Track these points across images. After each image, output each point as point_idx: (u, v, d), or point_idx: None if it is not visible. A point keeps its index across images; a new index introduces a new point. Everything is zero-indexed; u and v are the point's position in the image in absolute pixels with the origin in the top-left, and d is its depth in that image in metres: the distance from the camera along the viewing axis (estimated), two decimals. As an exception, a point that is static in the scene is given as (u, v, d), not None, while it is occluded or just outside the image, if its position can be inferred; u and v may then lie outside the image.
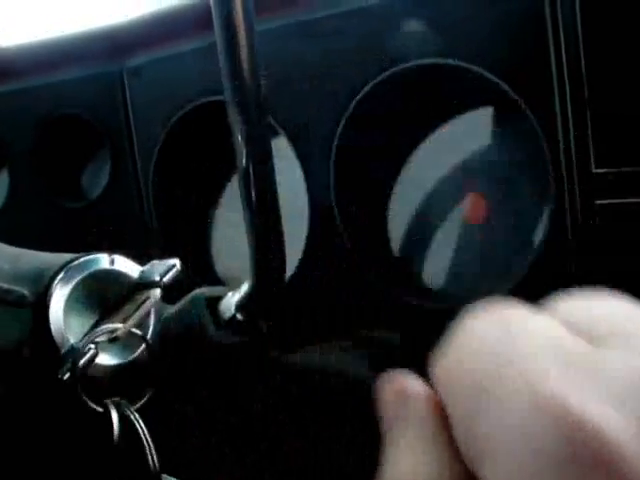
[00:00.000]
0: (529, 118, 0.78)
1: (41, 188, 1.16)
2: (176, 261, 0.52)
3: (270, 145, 0.51)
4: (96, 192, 1.12)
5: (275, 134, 0.96)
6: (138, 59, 1.05)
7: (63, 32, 1.10)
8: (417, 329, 0.88)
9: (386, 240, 0.96)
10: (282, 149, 0.96)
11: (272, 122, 0.94)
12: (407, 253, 0.95)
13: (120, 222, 1.09)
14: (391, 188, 0.96)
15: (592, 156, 0.74)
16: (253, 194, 0.52)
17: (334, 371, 0.79)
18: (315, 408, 0.70)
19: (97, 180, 1.15)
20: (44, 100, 1.12)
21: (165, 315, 0.57)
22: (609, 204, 0.73)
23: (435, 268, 0.94)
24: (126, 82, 1.06)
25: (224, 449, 0.58)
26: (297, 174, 0.95)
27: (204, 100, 0.98)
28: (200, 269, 1.06)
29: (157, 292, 0.49)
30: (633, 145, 0.74)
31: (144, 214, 1.07)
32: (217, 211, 1.11)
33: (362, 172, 0.94)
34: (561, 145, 0.76)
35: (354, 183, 0.93)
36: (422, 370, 0.93)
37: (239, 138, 0.50)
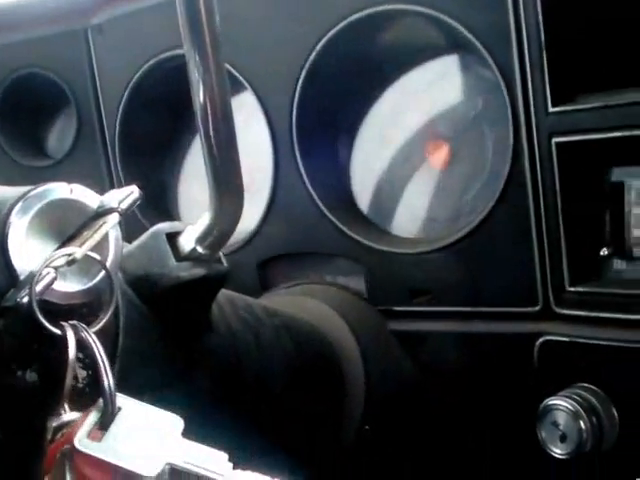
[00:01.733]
0: (487, 62, 0.79)
1: (6, 147, 1.16)
2: (134, 188, 0.52)
3: (228, 94, 0.52)
4: (62, 151, 1.12)
5: (241, 88, 0.96)
6: (101, 16, 1.05)
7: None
8: (384, 274, 0.89)
9: (350, 188, 0.97)
10: (248, 104, 0.97)
11: (238, 76, 0.94)
12: (374, 201, 0.96)
13: (86, 180, 1.08)
14: (355, 138, 0.97)
15: (549, 95, 0.75)
16: (211, 128, 0.53)
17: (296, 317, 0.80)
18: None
19: (63, 139, 1.15)
20: (9, 59, 1.12)
21: (126, 250, 0.57)
22: (566, 142, 0.75)
23: (401, 215, 0.94)
24: (90, 40, 1.06)
25: (182, 374, 0.59)
26: (262, 127, 0.96)
27: (166, 54, 0.98)
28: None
29: (115, 216, 0.49)
30: (588, 84, 0.75)
31: (110, 171, 1.07)
32: (183, 166, 1.11)
33: (325, 122, 0.95)
34: (518, 85, 0.77)
35: (318, 134, 0.94)
36: (389, 313, 0.93)
37: (198, 88, 0.51)
